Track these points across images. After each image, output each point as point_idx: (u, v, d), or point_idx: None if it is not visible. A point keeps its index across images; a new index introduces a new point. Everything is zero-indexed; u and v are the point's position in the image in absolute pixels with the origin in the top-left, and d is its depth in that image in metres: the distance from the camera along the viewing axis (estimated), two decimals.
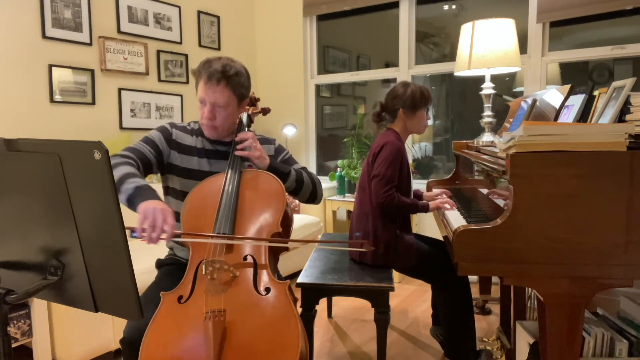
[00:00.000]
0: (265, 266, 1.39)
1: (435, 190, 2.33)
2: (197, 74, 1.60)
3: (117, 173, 1.42)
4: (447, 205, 1.97)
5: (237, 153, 1.62)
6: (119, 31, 3.18)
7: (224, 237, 1.42)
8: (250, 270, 1.38)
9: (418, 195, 2.32)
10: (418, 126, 2.14)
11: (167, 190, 1.72)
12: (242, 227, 1.47)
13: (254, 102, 1.88)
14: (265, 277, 1.37)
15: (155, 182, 3.04)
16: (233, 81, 1.57)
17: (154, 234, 1.28)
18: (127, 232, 1.61)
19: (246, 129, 1.76)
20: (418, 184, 2.93)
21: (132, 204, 1.37)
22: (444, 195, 2.17)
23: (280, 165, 1.70)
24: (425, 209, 2.00)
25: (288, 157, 1.82)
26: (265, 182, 1.57)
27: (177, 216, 1.68)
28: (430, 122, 2.24)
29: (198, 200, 1.54)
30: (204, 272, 1.35)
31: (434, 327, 2.42)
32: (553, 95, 1.77)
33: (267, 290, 1.34)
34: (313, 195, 1.79)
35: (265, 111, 1.91)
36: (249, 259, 1.41)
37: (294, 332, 1.24)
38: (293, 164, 1.80)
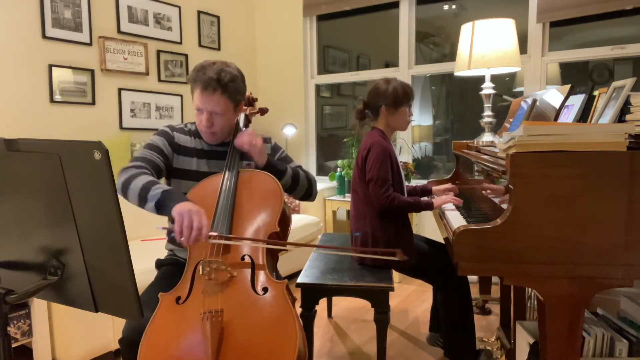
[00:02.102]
0: (263, 266, 1.39)
1: (444, 186, 2.32)
2: (191, 81, 1.60)
3: (139, 182, 1.43)
4: (451, 205, 1.96)
5: (238, 144, 1.63)
6: (119, 31, 3.18)
7: (250, 239, 1.43)
8: (248, 270, 1.38)
9: (427, 190, 2.31)
10: (401, 123, 2.12)
11: None
12: (240, 227, 1.47)
13: (251, 102, 1.88)
14: (262, 277, 1.37)
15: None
16: (229, 88, 1.57)
17: (192, 235, 1.29)
18: (164, 231, 1.61)
19: (243, 129, 1.76)
20: (418, 184, 2.92)
21: (163, 207, 1.38)
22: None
23: (277, 162, 1.71)
24: (429, 206, 1.98)
25: (284, 155, 1.84)
26: (263, 182, 1.57)
27: None
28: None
29: (196, 201, 1.53)
30: (201, 273, 1.35)
31: (431, 334, 2.35)
32: (553, 95, 1.77)
33: (265, 290, 1.34)
34: (308, 193, 1.80)
35: (263, 111, 1.91)
36: (247, 259, 1.41)
37: (292, 331, 1.24)
38: (289, 162, 1.82)
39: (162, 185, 1.45)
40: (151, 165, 1.57)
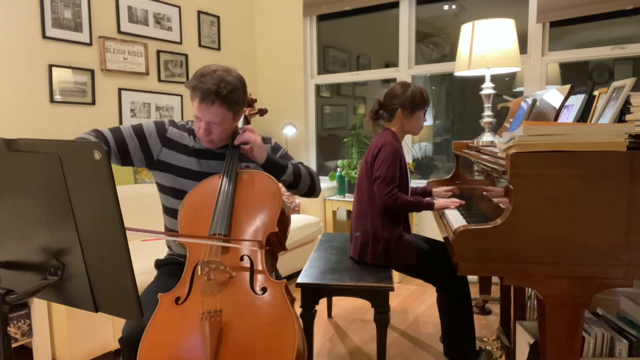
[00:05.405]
0: (262, 266, 1.39)
1: (444, 188, 2.34)
2: (191, 89, 1.57)
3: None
4: (453, 206, 1.97)
5: (238, 142, 1.63)
6: (119, 31, 3.18)
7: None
8: (247, 271, 1.38)
9: (427, 192, 2.33)
10: (415, 127, 2.15)
11: (159, 187, 1.73)
12: (238, 227, 1.47)
13: (251, 103, 1.88)
14: (261, 277, 1.37)
15: (148, 182, 3.03)
16: (227, 100, 1.54)
17: None
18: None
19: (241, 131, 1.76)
20: (418, 185, 2.93)
21: None
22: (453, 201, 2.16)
23: (278, 159, 1.71)
24: (430, 206, 2.00)
25: (284, 154, 1.84)
26: (262, 182, 1.57)
27: (169, 212, 1.69)
28: (426, 123, 2.25)
29: (195, 201, 1.54)
30: (200, 273, 1.35)
31: None
32: (553, 95, 1.77)
33: (264, 290, 1.34)
34: (311, 188, 1.79)
35: (262, 112, 1.91)
36: (246, 259, 1.41)
37: (291, 331, 1.24)
38: (290, 159, 1.81)
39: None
40: (116, 139, 1.59)
